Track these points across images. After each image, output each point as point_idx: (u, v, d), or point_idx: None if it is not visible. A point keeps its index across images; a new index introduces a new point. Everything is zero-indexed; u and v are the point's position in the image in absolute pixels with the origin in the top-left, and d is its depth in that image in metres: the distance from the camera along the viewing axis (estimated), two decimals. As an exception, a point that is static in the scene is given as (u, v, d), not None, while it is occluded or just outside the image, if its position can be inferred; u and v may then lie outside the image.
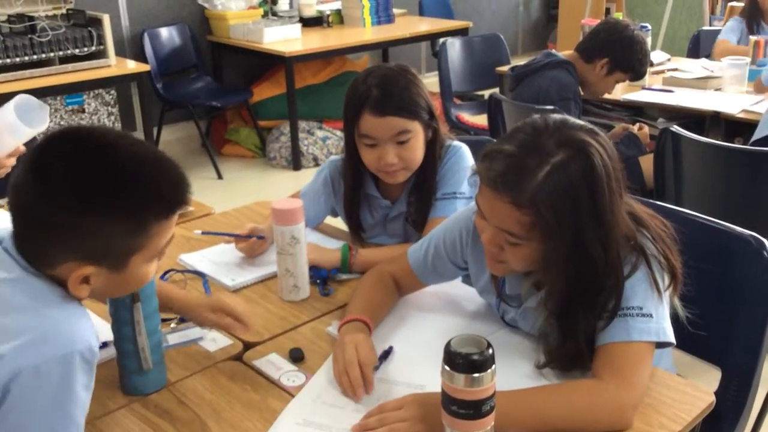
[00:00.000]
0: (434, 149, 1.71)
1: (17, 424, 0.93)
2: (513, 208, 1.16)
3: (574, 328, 1.21)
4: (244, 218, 1.99)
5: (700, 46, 4.44)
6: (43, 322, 0.96)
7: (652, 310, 1.20)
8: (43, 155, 1.00)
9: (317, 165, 4.74)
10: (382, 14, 5.27)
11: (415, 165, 1.68)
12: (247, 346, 1.40)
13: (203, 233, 1.80)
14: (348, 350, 1.27)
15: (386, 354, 1.35)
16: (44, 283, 1.01)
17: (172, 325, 1.45)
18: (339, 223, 1.94)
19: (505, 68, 3.66)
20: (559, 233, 1.15)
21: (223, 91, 4.89)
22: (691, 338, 1.33)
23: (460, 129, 3.96)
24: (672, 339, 1.22)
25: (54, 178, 0.98)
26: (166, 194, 1.04)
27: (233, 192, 4.31)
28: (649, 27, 3.51)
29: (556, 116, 1.22)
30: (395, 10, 5.38)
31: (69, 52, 3.78)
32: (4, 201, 2.91)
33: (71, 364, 0.95)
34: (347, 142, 1.71)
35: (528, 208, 1.15)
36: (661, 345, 1.22)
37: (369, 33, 5.10)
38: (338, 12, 5.31)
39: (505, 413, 1.09)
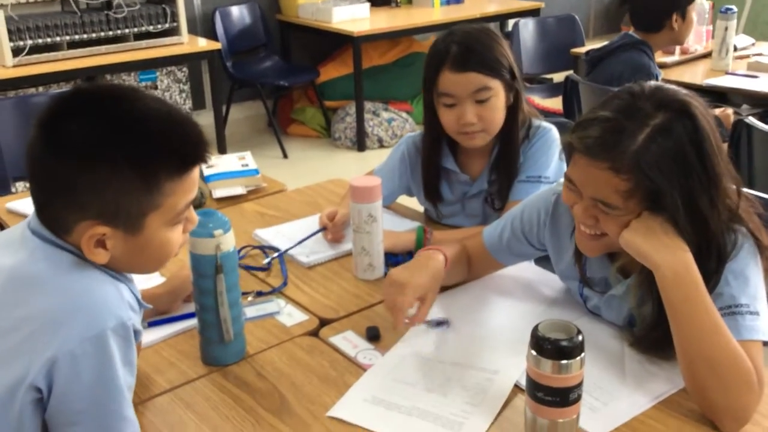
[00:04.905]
0: (515, 116, 1.66)
1: (69, 407, 0.93)
2: (611, 175, 1.11)
3: None
4: (317, 196, 1.99)
5: (786, 31, 4.24)
6: (68, 302, 0.94)
7: (759, 308, 1.15)
8: (52, 111, 0.97)
9: (382, 146, 4.73)
10: (452, -6, 5.19)
11: (494, 127, 1.64)
12: (323, 322, 1.40)
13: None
14: (397, 294, 1.28)
15: (440, 323, 1.35)
16: (62, 252, 0.98)
17: (249, 298, 1.46)
18: (412, 203, 1.92)
19: (581, 50, 3.56)
20: (670, 197, 1.10)
21: (290, 70, 4.91)
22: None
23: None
24: None
25: (61, 130, 0.95)
26: (177, 149, 0.99)
27: (298, 171, 4.33)
28: (735, 9, 3.36)
29: (651, 82, 1.18)
30: (465, -10, 5.29)
31: (143, 28, 3.85)
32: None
33: (104, 343, 0.93)
34: (426, 107, 1.68)
35: (628, 174, 1.10)
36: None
37: (437, 13, 5.03)
38: (407, -8, 5.26)
39: (695, 310, 1.08)
